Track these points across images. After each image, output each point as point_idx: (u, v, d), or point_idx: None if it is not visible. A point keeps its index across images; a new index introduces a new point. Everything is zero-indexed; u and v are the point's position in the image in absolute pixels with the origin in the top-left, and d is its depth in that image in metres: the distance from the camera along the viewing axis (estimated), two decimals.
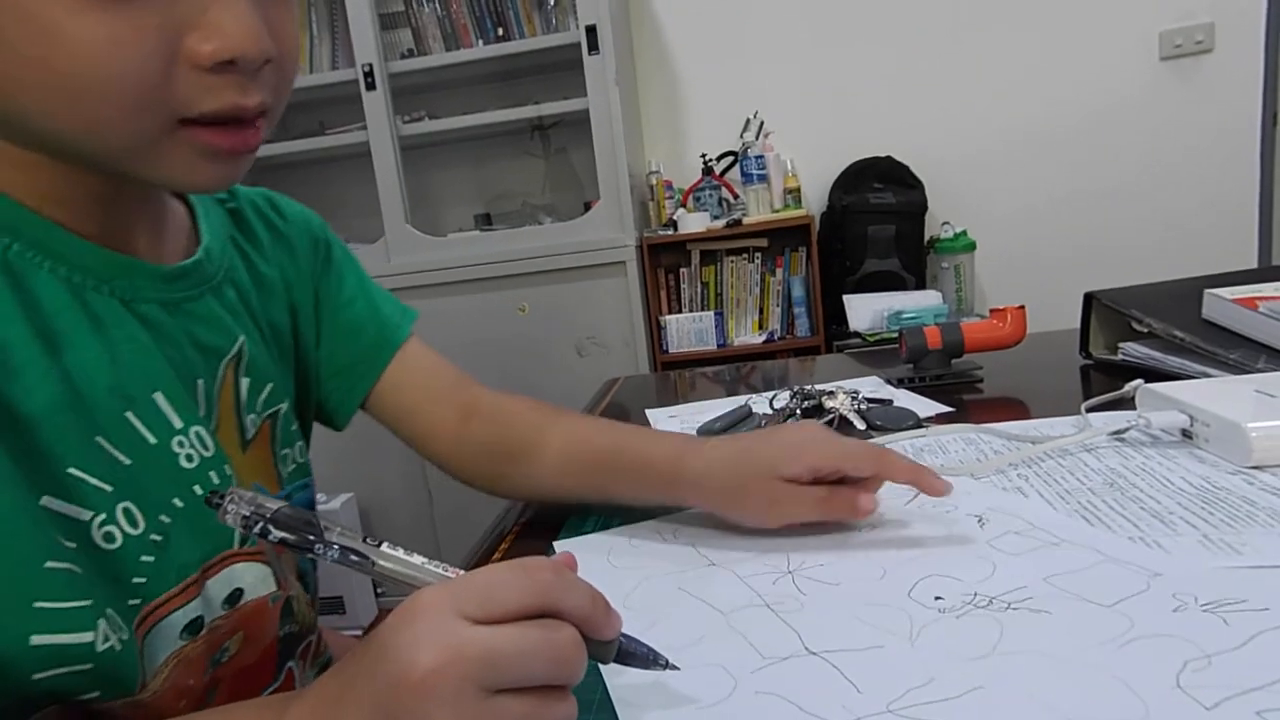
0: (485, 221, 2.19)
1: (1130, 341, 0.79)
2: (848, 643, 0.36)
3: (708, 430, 0.71)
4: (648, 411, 0.88)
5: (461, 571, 0.31)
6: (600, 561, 0.49)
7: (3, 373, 0.34)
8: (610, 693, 0.35)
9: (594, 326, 1.96)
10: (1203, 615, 0.34)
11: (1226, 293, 0.71)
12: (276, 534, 0.31)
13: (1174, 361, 0.72)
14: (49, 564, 0.34)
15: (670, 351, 2.05)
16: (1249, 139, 2.03)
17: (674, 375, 1.16)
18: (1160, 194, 2.09)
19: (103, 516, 0.37)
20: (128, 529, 0.37)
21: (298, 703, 0.30)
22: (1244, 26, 1.98)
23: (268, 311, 0.52)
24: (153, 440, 0.40)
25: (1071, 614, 0.35)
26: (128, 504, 0.38)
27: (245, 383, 0.48)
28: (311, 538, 0.31)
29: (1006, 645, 0.34)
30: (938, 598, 0.38)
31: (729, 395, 0.94)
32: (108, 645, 0.35)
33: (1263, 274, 0.76)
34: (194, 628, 0.41)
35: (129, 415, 0.39)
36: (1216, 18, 1.99)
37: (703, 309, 2.10)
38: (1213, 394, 0.56)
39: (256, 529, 0.31)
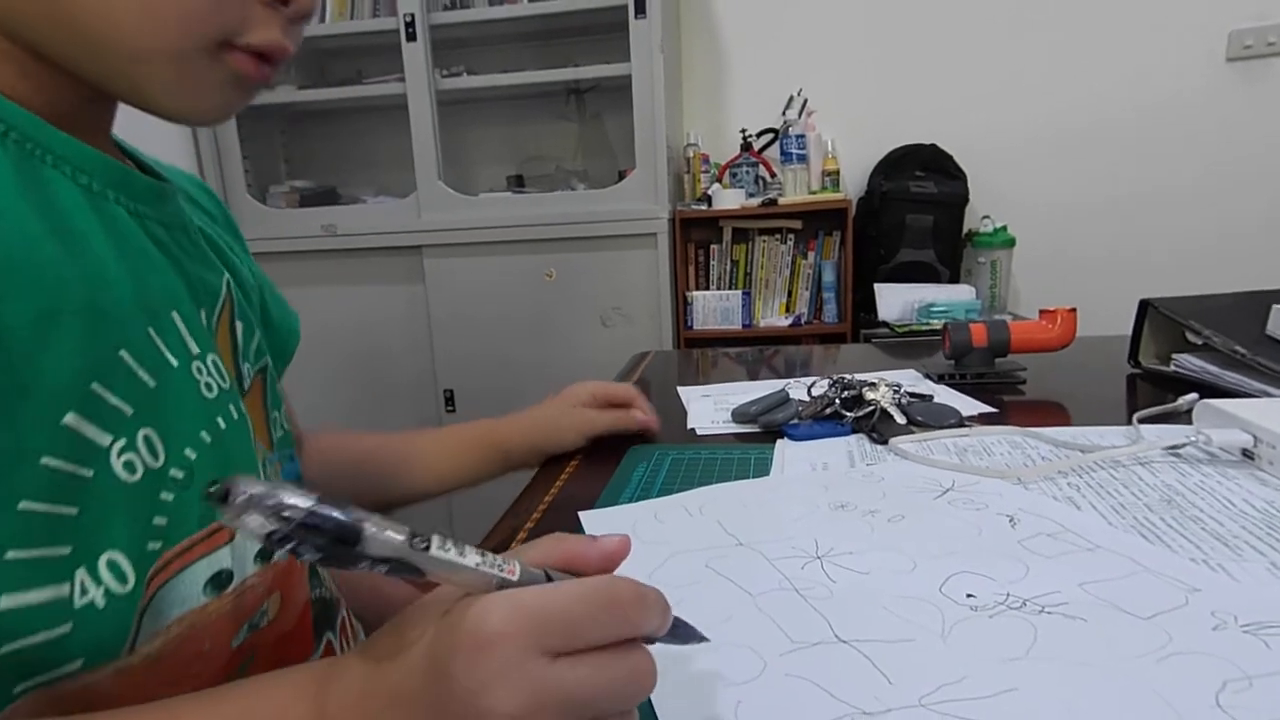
0: (517, 183, 2.16)
1: (1184, 353, 0.76)
2: (878, 633, 0.35)
3: (743, 413, 0.69)
4: (680, 389, 0.86)
5: (517, 566, 0.27)
6: (625, 535, 0.48)
7: (19, 272, 0.29)
8: None
9: (619, 297, 1.94)
10: (1243, 636, 0.33)
11: None
12: (310, 555, 0.23)
13: (1231, 377, 0.70)
14: (23, 505, 0.28)
15: (695, 328, 2.03)
16: None
17: (696, 354, 1.15)
18: (1215, 202, 2.02)
19: (123, 442, 0.32)
20: (149, 460, 0.33)
21: (338, 692, 0.27)
22: None
23: (224, 260, 0.47)
24: (175, 363, 0.36)
25: (1107, 623, 0.35)
26: (149, 431, 0.33)
27: (239, 326, 0.44)
28: (355, 551, 0.24)
29: (1041, 650, 0.33)
30: (970, 595, 0.38)
31: (751, 379, 0.92)
32: (87, 600, 0.29)
33: None
34: (220, 581, 0.36)
35: (151, 331, 0.35)
36: None
37: (730, 287, 2.08)
38: (1277, 413, 0.54)
39: (286, 549, 0.23)
